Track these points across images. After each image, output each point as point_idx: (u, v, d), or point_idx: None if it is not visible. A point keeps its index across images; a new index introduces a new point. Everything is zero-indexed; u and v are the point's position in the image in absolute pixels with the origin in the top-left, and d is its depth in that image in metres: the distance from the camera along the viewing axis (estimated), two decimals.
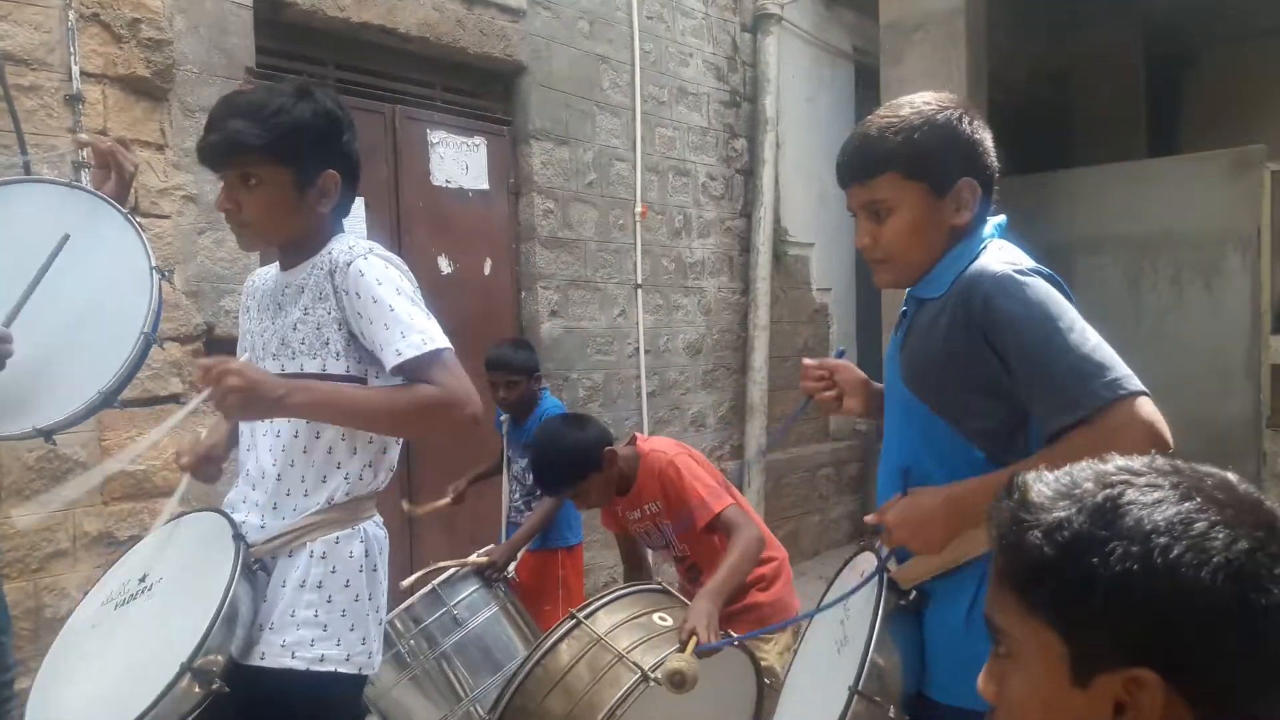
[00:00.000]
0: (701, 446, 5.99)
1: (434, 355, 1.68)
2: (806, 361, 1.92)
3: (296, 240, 1.82)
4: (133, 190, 2.30)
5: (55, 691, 1.66)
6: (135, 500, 3.38)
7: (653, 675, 2.22)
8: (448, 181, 4.56)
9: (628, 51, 5.38)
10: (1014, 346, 1.47)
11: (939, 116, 1.59)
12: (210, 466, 1.93)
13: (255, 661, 1.67)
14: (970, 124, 1.61)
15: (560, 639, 2.43)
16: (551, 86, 4.96)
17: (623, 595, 2.59)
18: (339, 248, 1.77)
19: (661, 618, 2.47)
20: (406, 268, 1.81)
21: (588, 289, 5.20)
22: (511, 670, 2.69)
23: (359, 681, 1.77)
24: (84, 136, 2.31)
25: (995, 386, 1.52)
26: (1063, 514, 0.79)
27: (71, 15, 3.18)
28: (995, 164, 1.65)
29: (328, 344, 1.74)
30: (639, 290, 5.47)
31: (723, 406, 6.13)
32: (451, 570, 3.01)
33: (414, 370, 1.68)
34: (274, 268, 1.93)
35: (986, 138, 1.64)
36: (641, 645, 2.36)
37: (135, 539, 3.34)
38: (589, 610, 2.47)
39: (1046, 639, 0.79)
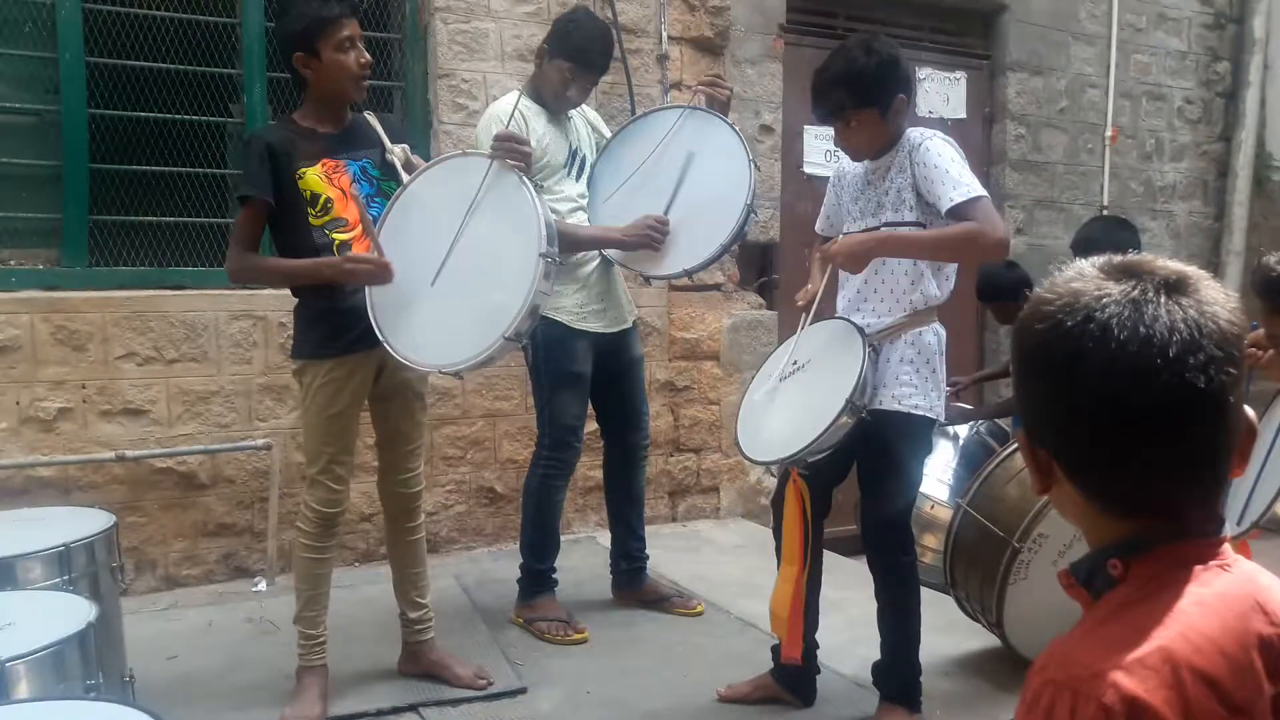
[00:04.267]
0: None
1: (974, 200, 2.37)
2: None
3: (884, 147, 2.56)
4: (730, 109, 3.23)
5: (754, 428, 2.58)
6: (688, 360, 4.51)
7: None
8: (930, 112, 5.19)
9: None
10: None
11: None
12: (813, 307, 2.72)
13: (875, 406, 2.51)
14: None
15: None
16: (1029, 21, 5.37)
17: None
18: (914, 137, 2.51)
19: None
20: (955, 143, 2.51)
21: (1053, 209, 5.58)
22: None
23: (932, 422, 2.58)
24: (706, 80, 3.27)
25: None
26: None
27: None
28: None
29: (904, 201, 2.51)
30: (1103, 212, 5.72)
31: None
32: None
33: (960, 210, 2.37)
34: (859, 165, 2.67)
35: None
36: None
37: (686, 389, 4.49)
38: None
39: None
